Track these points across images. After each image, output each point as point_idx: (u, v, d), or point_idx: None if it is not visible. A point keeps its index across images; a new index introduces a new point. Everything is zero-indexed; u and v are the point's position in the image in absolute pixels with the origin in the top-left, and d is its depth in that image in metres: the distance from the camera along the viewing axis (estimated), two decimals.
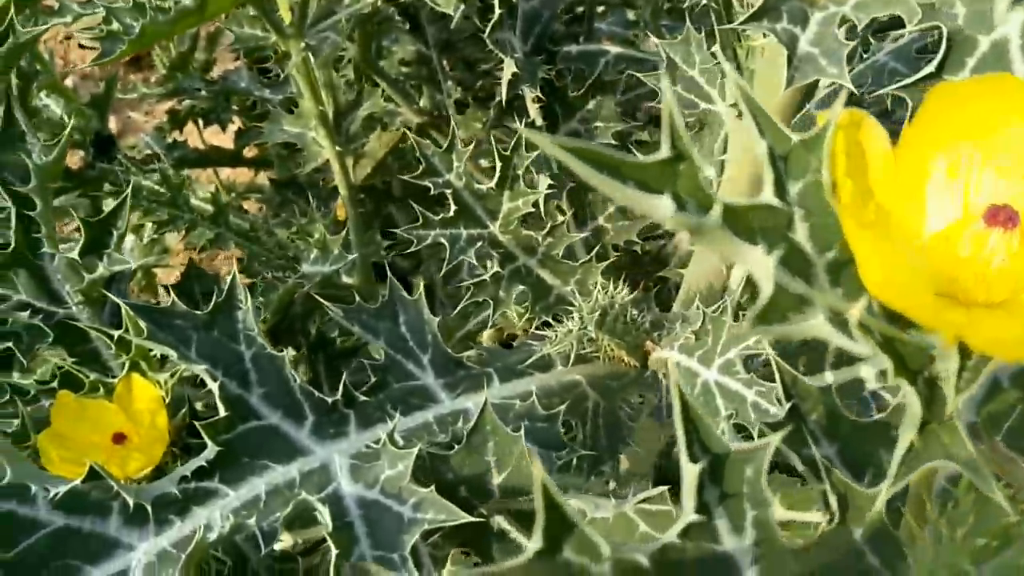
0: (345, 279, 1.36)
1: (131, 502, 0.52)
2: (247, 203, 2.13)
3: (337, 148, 1.25)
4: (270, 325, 1.14)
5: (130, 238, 1.70)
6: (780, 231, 0.30)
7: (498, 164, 0.78)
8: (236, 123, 1.87)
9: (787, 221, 0.30)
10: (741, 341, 0.76)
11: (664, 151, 0.27)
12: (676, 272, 1.14)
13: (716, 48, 0.89)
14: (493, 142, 0.78)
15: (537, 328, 0.92)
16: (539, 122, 1.10)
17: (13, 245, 0.69)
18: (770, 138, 0.30)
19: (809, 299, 0.30)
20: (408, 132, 0.99)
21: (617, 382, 0.96)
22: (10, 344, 0.83)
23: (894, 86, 0.48)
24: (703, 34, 0.94)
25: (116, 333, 0.65)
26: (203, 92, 1.66)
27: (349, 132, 1.29)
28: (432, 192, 1.91)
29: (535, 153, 1.02)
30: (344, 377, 0.69)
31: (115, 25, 0.78)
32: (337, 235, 1.03)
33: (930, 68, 0.47)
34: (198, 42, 1.82)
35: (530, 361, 0.84)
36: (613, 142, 1.19)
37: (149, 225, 1.51)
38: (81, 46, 3.09)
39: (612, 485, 0.99)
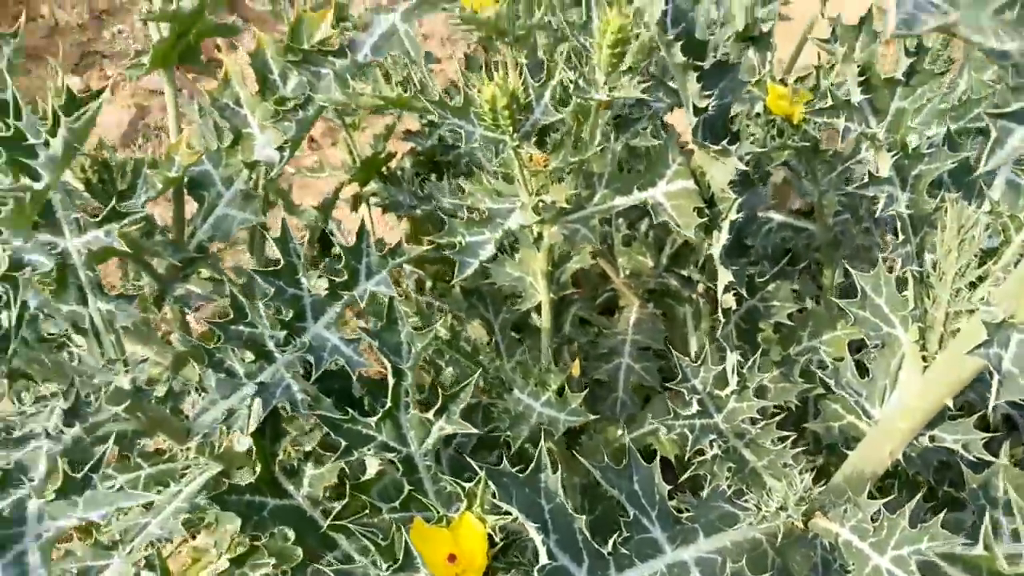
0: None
1: None
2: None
3: (552, 295, 1.52)
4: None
5: None
6: None
7: (735, 377, 1.01)
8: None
9: None
10: (914, 543, 0.96)
11: (979, 549, 0.50)
12: (815, 425, 1.34)
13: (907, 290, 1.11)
14: (727, 347, 1.02)
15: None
16: (735, 307, 1.34)
17: (388, 406, 0.96)
18: None
19: None
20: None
21: (786, 540, 1.18)
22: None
23: None
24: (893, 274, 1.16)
25: (467, 486, 0.90)
26: (418, 210, 1.96)
27: (560, 281, 1.55)
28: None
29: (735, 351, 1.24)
30: (614, 538, 0.93)
31: (458, 238, 1.05)
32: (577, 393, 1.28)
33: None
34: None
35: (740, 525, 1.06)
36: (791, 323, 1.42)
37: None
38: None
39: None
